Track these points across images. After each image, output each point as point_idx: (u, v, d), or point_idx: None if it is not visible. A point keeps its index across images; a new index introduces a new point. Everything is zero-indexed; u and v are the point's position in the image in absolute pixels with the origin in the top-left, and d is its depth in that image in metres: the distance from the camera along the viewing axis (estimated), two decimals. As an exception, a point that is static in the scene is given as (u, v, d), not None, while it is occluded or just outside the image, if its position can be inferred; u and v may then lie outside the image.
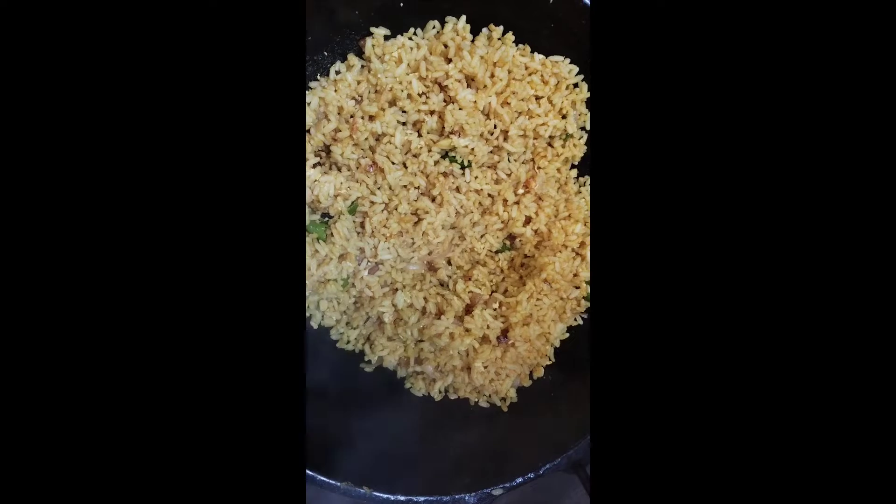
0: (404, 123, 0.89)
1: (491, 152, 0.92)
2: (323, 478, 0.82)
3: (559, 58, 0.90)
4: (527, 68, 0.89)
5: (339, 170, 0.91)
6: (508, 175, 0.93)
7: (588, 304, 1.00)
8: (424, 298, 0.94)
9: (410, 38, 0.89)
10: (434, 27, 0.88)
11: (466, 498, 0.85)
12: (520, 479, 0.86)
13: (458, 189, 0.92)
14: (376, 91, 0.88)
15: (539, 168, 0.94)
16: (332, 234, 0.91)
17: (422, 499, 0.84)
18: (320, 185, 0.88)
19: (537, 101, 0.91)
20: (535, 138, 0.92)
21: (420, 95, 0.87)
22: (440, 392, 0.97)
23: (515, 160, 0.93)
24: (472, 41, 0.88)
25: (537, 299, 0.95)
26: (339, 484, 0.82)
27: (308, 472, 0.81)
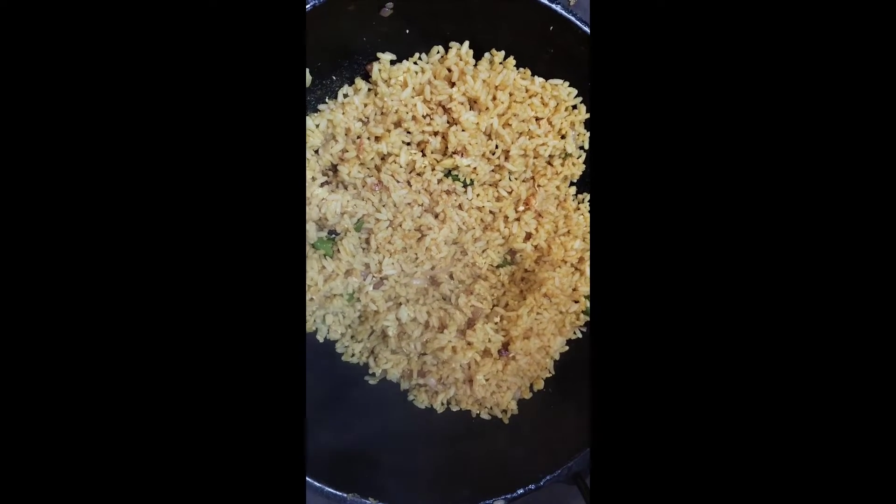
0: (409, 144, 0.92)
1: (492, 171, 0.95)
2: (329, 489, 0.83)
3: (558, 81, 0.94)
4: (527, 91, 0.93)
5: (346, 188, 0.94)
6: (509, 193, 0.96)
7: (587, 318, 1.02)
8: (427, 312, 0.96)
9: (415, 63, 0.92)
10: (438, 52, 0.92)
11: (469, 509, 0.86)
12: (520, 491, 0.87)
13: (460, 206, 0.95)
14: (382, 113, 0.91)
15: (539, 186, 0.97)
16: (338, 250, 0.93)
17: (425, 509, 0.85)
18: (328, 203, 0.91)
19: (537, 122, 0.94)
20: (535, 157, 0.95)
21: (424, 117, 0.90)
22: (443, 404, 0.99)
23: (516, 178, 0.96)
24: (475, 65, 0.92)
25: (537, 313, 0.97)
26: (345, 495, 0.84)
27: (315, 483, 0.83)
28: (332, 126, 0.91)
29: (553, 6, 0.84)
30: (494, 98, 0.91)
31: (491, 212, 0.97)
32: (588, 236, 1.01)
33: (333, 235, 0.96)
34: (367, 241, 0.95)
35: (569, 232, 0.99)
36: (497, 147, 0.93)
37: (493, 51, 0.92)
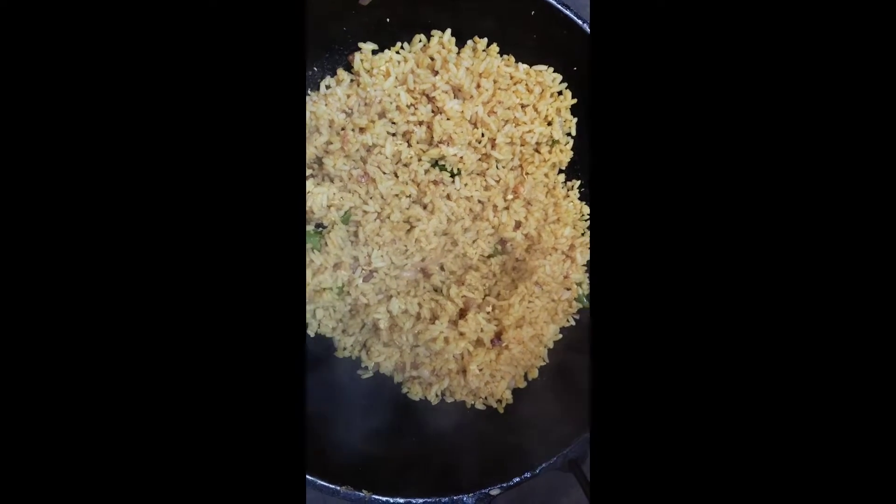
0: (394, 134, 0.92)
1: (479, 160, 0.94)
2: (322, 482, 0.83)
3: (543, 67, 0.93)
4: (512, 78, 0.92)
5: (332, 181, 0.93)
6: (497, 181, 0.95)
7: (580, 305, 1.02)
8: (419, 304, 0.96)
9: (398, 52, 0.92)
10: (420, 41, 0.91)
11: (465, 499, 0.86)
12: (517, 479, 0.87)
13: (448, 196, 0.94)
14: (366, 104, 0.91)
15: (527, 174, 0.96)
16: (326, 243, 0.93)
17: (420, 500, 0.85)
18: (314, 196, 0.90)
19: (523, 109, 0.93)
20: (522, 145, 0.95)
21: (408, 107, 0.90)
22: (437, 396, 0.98)
23: (504, 167, 0.96)
24: (458, 53, 0.91)
25: (529, 302, 0.96)
26: (338, 488, 0.83)
27: (308, 476, 0.83)
28: (315, 118, 0.90)
29: (534, -10, 0.84)
30: (479, 86, 0.90)
31: (479, 201, 0.96)
32: (578, 223, 1.00)
33: (320, 228, 0.95)
34: (356, 234, 0.94)
35: (558, 219, 0.98)
36: (483, 135, 0.93)
37: (476, 38, 0.91)
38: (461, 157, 0.91)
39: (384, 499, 0.84)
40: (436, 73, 0.90)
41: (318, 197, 0.90)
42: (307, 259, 0.92)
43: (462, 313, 0.96)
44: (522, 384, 1.00)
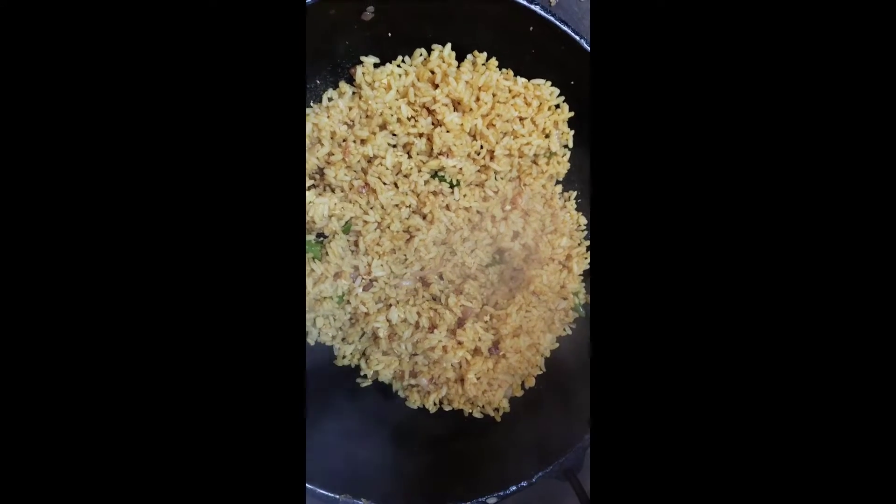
0: (395, 146, 0.93)
1: (478, 171, 0.96)
2: (321, 490, 0.84)
3: (541, 81, 0.95)
4: (510, 91, 0.94)
5: (333, 191, 0.94)
6: (496, 192, 0.97)
7: (576, 314, 1.03)
8: (418, 313, 0.97)
9: (399, 66, 0.93)
10: (421, 55, 0.93)
11: (462, 507, 0.87)
12: (513, 488, 0.88)
13: (447, 207, 0.95)
14: (367, 116, 0.92)
15: (525, 185, 0.98)
16: (327, 253, 0.94)
17: (418, 509, 0.86)
18: (315, 206, 0.91)
19: (521, 121, 0.95)
20: (520, 157, 0.96)
21: (409, 119, 0.91)
22: (435, 404, 0.99)
23: (502, 178, 0.97)
24: (458, 67, 0.93)
25: (526, 311, 0.98)
26: (337, 496, 0.84)
27: (307, 485, 0.83)
28: (317, 130, 0.92)
29: (532, 7, 0.86)
30: (478, 99, 0.92)
31: (478, 212, 0.97)
32: (574, 234, 1.02)
33: (321, 238, 0.96)
34: (356, 244, 0.95)
35: (555, 230, 1.00)
36: (482, 147, 0.94)
37: (476, 52, 0.93)
38: (460, 169, 0.93)
39: (382, 507, 0.85)
40: (436, 86, 0.92)
41: (319, 207, 0.91)
42: (308, 268, 0.93)
43: (460, 322, 0.97)
44: (519, 393, 1.01)
